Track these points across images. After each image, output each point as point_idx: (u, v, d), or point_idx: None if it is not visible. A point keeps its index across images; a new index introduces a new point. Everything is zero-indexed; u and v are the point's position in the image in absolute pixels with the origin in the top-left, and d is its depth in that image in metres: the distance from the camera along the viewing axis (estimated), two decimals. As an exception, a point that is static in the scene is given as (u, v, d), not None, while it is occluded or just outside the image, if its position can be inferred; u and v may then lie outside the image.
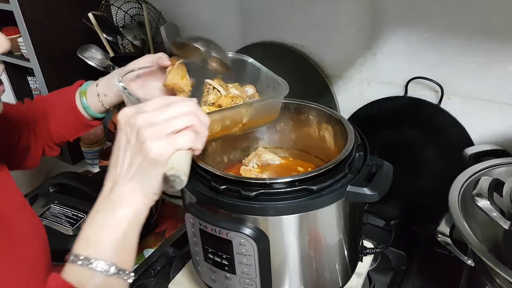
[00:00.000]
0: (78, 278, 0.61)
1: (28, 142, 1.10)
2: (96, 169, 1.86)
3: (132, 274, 0.64)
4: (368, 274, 1.21)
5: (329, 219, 0.92)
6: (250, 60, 1.04)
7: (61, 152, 1.93)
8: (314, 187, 0.86)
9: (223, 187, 0.88)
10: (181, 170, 0.63)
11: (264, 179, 0.88)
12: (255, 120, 0.92)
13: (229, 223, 0.88)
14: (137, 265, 1.33)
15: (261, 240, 0.88)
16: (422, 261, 1.28)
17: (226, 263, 0.93)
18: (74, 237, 1.19)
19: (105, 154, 1.78)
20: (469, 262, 1.04)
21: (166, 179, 0.63)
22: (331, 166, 0.90)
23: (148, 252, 1.39)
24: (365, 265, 1.18)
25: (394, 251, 1.33)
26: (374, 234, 1.36)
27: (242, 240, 0.88)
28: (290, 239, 0.91)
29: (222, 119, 0.86)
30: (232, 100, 0.93)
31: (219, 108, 0.92)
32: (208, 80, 0.98)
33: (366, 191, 0.88)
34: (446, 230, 1.09)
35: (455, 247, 1.06)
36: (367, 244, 1.24)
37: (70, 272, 0.62)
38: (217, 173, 0.90)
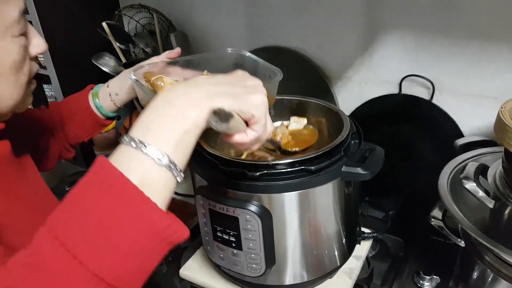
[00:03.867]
0: (128, 162, 0.59)
1: (47, 145, 1.19)
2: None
3: (183, 174, 0.63)
4: (367, 258, 1.28)
5: (326, 196, 1.01)
6: (248, 54, 1.12)
7: (75, 157, 2.02)
8: (312, 168, 0.95)
9: (230, 169, 0.97)
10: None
11: (268, 161, 0.97)
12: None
13: (236, 201, 0.97)
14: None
15: (265, 216, 0.97)
16: (419, 248, 1.35)
17: (233, 239, 1.02)
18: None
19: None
20: (461, 244, 1.12)
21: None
22: (328, 149, 0.99)
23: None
24: (363, 248, 1.26)
25: (392, 238, 1.40)
26: (374, 225, 1.40)
27: (248, 217, 0.97)
28: (291, 216, 0.99)
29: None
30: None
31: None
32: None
33: (359, 170, 0.97)
34: (439, 215, 1.17)
35: (447, 230, 1.14)
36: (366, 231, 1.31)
37: (120, 154, 0.61)
38: (224, 157, 0.99)
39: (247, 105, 0.66)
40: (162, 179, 0.60)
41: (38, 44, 0.80)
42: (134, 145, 0.59)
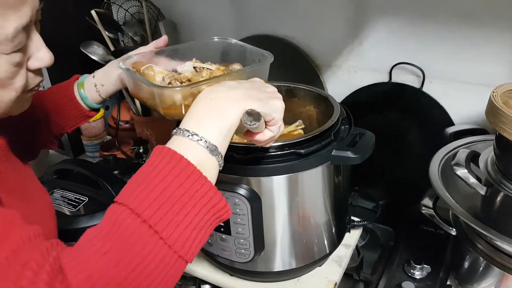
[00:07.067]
0: (186, 148, 0.68)
1: (31, 136, 1.16)
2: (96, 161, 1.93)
3: (223, 163, 0.73)
4: (357, 247, 1.27)
5: (316, 180, 1.00)
6: (234, 41, 1.10)
7: (63, 147, 2.00)
8: (302, 151, 0.94)
9: (219, 152, 0.95)
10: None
11: (257, 144, 0.96)
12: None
13: (225, 185, 0.96)
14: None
15: (254, 200, 0.96)
16: (409, 237, 1.33)
17: (222, 224, 1.00)
18: (75, 217, 1.27)
19: (105, 146, 1.86)
20: (453, 232, 1.11)
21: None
22: (318, 133, 0.98)
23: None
24: (353, 237, 1.25)
25: (382, 228, 1.39)
26: (363, 215, 1.39)
27: (237, 200, 0.96)
28: (281, 200, 0.98)
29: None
30: (223, 72, 1.00)
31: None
32: (195, 64, 1.05)
33: (349, 154, 0.96)
34: (430, 204, 1.17)
35: (438, 218, 1.14)
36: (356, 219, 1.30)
37: (177, 141, 0.70)
38: (214, 140, 0.98)
39: (271, 108, 0.77)
40: (212, 165, 0.70)
41: (41, 58, 0.76)
42: (188, 136, 0.69)
